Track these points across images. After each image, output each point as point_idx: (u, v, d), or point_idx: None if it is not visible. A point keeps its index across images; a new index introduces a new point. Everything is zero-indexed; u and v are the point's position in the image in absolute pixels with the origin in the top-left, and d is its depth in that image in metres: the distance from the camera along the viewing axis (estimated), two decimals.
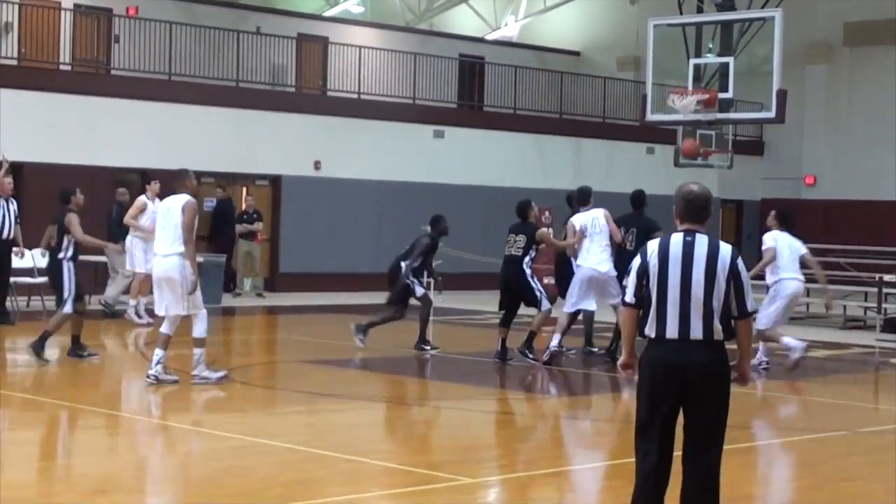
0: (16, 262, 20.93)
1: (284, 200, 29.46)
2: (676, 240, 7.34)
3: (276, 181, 29.56)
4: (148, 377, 13.83)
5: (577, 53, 41.48)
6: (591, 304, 16.99)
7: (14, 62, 27.41)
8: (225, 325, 22.46)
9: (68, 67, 28.63)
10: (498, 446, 11.97)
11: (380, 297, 26.36)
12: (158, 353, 13.91)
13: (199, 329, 13.98)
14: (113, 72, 28.91)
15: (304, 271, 29.16)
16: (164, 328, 14.00)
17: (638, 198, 17.64)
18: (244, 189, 29.33)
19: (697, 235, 7.34)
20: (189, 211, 13.92)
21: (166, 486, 9.40)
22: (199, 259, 24.74)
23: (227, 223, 27.85)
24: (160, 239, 14.09)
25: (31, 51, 28.14)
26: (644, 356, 7.35)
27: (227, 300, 26.00)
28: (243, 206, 28.36)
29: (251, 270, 28.22)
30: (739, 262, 7.32)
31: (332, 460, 10.48)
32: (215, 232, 27.95)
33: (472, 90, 35.84)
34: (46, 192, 24.76)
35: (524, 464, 10.99)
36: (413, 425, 13.01)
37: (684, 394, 7.19)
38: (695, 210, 7.41)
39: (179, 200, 14.09)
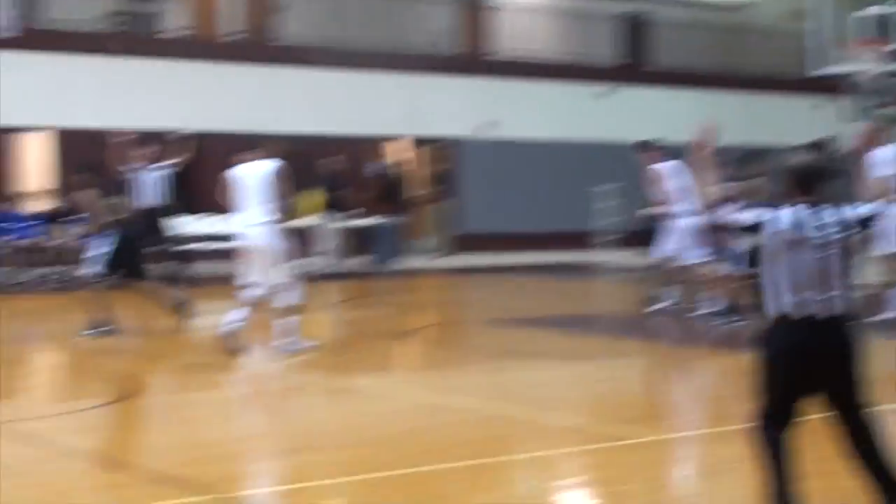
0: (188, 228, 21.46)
1: (463, 162, 29.67)
2: (798, 214, 6.68)
3: (454, 144, 29.79)
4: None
5: (743, 7, 40.77)
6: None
7: (187, 33, 27.89)
8: (409, 286, 22.63)
9: (238, 37, 29.02)
10: (683, 403, 11.93)
11: (558, 256, 26.26)
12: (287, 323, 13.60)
13: (292, 297, 13.45)
14: (282, 42, 29.21)
15: (484, 231, 29.36)
16: (282, 299, 13.49)
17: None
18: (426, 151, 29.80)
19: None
20: (284, 176, 13.26)
21: (355, 446, 9.52)
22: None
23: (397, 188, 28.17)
24: (250, 207, 13.30)
25: (199, 23, 28.55)
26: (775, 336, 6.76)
27: (409, 261, 26.23)
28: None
29: (436, 230, 28.47)
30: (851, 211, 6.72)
31: (517, 419, 10.53)
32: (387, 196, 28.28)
33: (638, 48, 35.52)
34: (224, 160, 25.25)
35: (710, 420, 10.94)
36: (600, 383, 12.95)
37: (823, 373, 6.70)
38: (810, 181, 6.73)
39: (268, 166, 13.36)
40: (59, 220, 22.06)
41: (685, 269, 16.76)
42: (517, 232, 29.82)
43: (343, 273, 23.40)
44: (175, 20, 27.96)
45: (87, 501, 8.00)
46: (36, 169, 25.65)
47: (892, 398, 9.38)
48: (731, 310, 16.02)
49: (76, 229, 19.97)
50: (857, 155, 15.89)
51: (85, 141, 23.98)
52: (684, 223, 16.53)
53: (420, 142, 29.80)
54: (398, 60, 29.15)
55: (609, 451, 9.48)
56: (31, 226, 22.49)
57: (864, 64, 22.77)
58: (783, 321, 6.65)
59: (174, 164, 20.82)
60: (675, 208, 16.74)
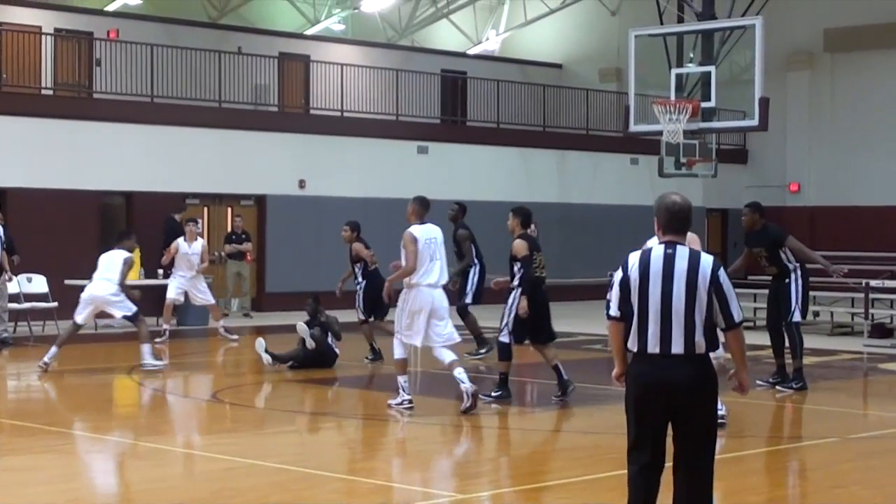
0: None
1: (269, 220, 29.42)
2: (657, 253, 7.30)
3: (260, 201, 29.53)
4: None
5: (558, 66, 41.55)
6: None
7: None
8: (211, 346, 22.43)
9: (50, 92, 28.61)
10: (489, 461, 11.95)
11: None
12: None
13: None
14: (95, 95, 28.88)
15: (291, 290, 29.10)
16: None
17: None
18: (229, 209, 29.30)
19: (678, 248, 7.30)
20: None
21: None
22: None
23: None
24: None
25: (13, 76, 28.10)
26: (629, 371, 7.35)
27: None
28: (230, 227, 28.43)
29: (240, 291, 28.25)
30: (721, 273, 7.25)
31: (322, 479, 10.46)
32: None
33: (456, 105, 35.88)
34: (30, 217, 24.84)
35: (515, 478, 10.97)
36: (403, 442, 13.00)
37: (670, 409, 7.17)
38: (678, 221, 7.38)
39: None
40: None
41: None
42: (328, 290, 29.65)
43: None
44: None
45: None
46: None
47: None
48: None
49: None
50: None
51: None
52: None
53: (228, 198, 29.40)
54: (215, 116, 28.90)
55: None
56: None
57: (677, 122, 23.24)
58: None
59: None
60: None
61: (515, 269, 14.58)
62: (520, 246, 14.54)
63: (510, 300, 14.60)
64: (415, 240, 13.61)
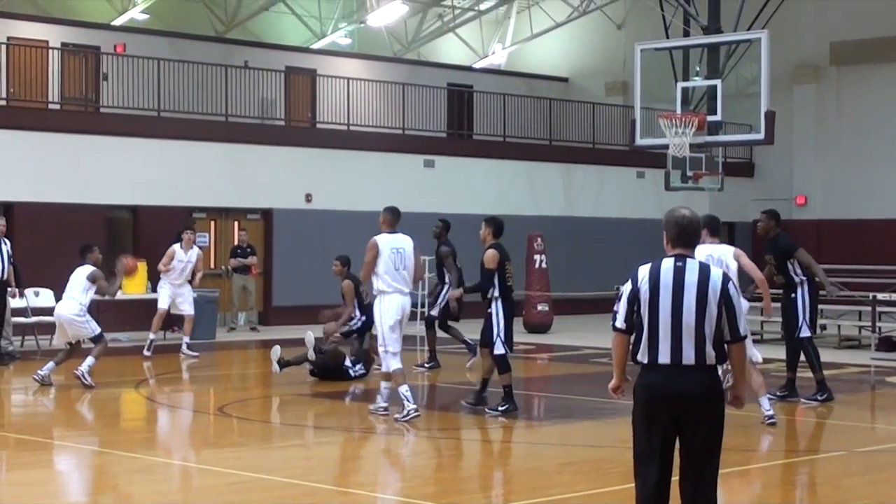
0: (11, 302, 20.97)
1: (276, 233, 29.43)
2: (667, 266, 7.35)
3: (267, 214, 29.54)
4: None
5: (565, 80, 41.56)
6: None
7: (3, 102, 27.40)
8: (219, 360, 22.45)
9: (57, 106, 28.64)
10: (495, 475, 11.93)
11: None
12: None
13: None
14: (102, 109, 28.89)
15: (298, 304, 29.09)
16: None
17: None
18: (236, 223, 29.30)
19: (688, 261, 7.36)
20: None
21: None
22: (194, 294, 24.81)
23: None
24: None
25: (20, 91, 28.14)
26: (637, 382, 7.38)
27: (222, 334, 25.96)
28: (236, 241, 28.44)
29: (246, 304, 28.22)
30: (730, 286, 7.32)
31: (329, 493, 10.45)
32: None
33: (462, 118, 35.87)
34: (37, 231, 24.87)
35: (521, 492, 10.95)
36: (409, 456, 12.98)
37: (679, 418, 7.20)
38: (687, 235, 7.44)
39: None
40: None
41: None
42: (334, 304, 29.62)
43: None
44: None
45: None
46: None
47: None
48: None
49: None
50: None
51: None
52: None
53: (235, 212, 29.36)
54: (222, 130, 28.92)
55: None
56: None
57: (683, 136, 23.24)
58: None
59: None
60: None
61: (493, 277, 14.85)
62: (490, 257, 14.80)
63: (494, 311, 14.73)
64: (375, 248, 14.26)
